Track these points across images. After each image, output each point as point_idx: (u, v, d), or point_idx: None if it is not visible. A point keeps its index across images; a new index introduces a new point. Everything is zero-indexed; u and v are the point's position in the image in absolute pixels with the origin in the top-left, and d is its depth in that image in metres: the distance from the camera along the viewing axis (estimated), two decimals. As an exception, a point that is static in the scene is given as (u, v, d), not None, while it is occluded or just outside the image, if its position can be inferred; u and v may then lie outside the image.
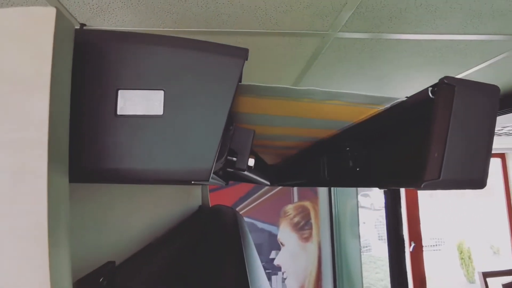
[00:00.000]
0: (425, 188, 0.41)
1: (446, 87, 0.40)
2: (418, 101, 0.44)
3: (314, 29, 1.02)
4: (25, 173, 0.32)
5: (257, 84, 0.46)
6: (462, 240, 6.52)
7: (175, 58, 0.40)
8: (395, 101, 0.49)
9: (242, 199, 3.24)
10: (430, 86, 0.42)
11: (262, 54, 1.18)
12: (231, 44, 1.12)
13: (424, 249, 4.02)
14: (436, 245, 7.46)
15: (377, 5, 0.89)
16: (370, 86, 1.62)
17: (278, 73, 1.40)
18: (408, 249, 3.79)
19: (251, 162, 0.56)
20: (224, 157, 0.51)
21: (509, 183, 4.25)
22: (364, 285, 5.88)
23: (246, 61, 0.40)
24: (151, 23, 0.97)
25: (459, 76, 1.51)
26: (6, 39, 0.34)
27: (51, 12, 0.34)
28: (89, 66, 0.39)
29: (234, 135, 0.52)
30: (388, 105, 0.51)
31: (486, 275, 3.71)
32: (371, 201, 9.02)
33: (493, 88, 0.43)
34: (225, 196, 3.17)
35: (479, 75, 1.49)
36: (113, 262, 0.60)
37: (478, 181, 0.42)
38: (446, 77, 0.40)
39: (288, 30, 1.01)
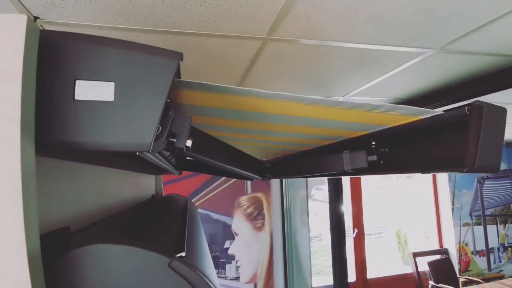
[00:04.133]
0: (466, 171, 0.61)
1: (478, 107, 0.60)
2: (456, 115, 0.63)
3: (252, 34, 1.16)
4: (4, 140, 0.42)
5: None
6: (400, 227, 7.22)
7: (123, 57, 0.52)
8: (435, 113, 0.65)
9: (198, 191, 3.27)
10: (465, 105, 0.60)
11: (208, 52, 1.29)
12: (178, 43, 1.25)
13: (369, 236, 4.39)
14: (380, 232, 8.09)
15: (301, 18, 1.06)
16: (308, 84, 1.80)
17: (226, 69, 1.52)
18: (352, 235, 4.17)
19: (189, 143, 0.68)
20: (164, 137, 0.63)
21: (436, 177, 4.83)
22: (315, 271, 6.22)
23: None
24: (104, 19, 1.03)
25: (381, 78, 1.76)
26: (-15, 38, 0.44)
27: (23, 18, 0.44)
28: (51, 60, 0.49)
29: (174, 120, 0.64)
30: (427, 115, 0.66)
31: (415, 255, 4.24)
32: (324, 195, 9.36)
33: (502, 108, 0.64)
34: (180, 188, 3.17)
35: (400, 76, 1.74)
36: (68, 227, 0.69)
37: (495, 167, 0.63)
38: (477, 101, 0.60)
39: (229, 33, 1.14)
